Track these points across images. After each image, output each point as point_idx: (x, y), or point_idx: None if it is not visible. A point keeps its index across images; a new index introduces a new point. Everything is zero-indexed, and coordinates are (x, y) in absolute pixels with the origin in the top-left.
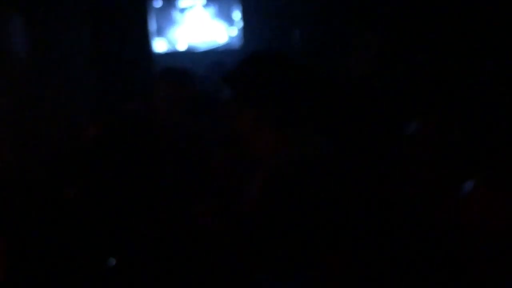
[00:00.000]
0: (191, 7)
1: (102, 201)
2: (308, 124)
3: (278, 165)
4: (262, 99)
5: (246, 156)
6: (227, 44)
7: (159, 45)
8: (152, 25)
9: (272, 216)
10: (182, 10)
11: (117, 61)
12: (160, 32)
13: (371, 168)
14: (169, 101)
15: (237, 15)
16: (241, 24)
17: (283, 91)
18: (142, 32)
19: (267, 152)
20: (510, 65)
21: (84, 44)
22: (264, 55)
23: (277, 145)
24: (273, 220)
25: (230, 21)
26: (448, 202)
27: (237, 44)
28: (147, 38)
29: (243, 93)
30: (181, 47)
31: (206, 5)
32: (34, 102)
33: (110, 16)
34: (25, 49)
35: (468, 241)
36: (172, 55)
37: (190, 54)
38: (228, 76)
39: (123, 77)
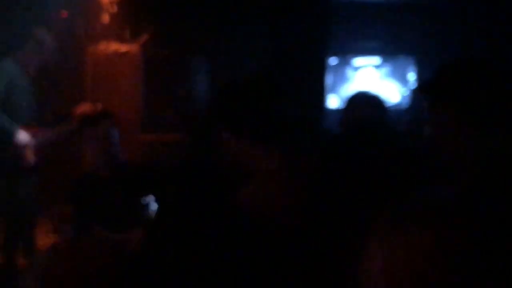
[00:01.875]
0: (365, 66)
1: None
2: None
3: (483, 168)
4: (465, 100)
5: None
6: (397, 104)
7: (331, 101)
8: (327, 81)
9: None
10: (356, 69)
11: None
12: (332, 89)
13: None
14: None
15: (411, 76)
16: (415, 84)
17: (488, 92)
18: (318, 87)
19: (470, 154)
20: None
21: None
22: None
23: (478, 145)
24: None
25: (403, 81)
26: None
27: (408, 104)
28: (322, 94)
29: (445, 96)
30: None
31: (380, 65)
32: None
33: (289, 69)
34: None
35: None
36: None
37: None
38: (428, 82)
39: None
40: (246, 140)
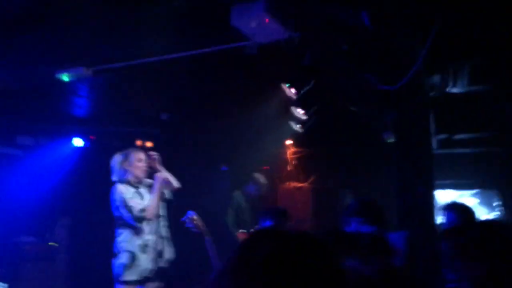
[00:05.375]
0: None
1: None
2: None
3: None
4: None
5: None
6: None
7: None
8: None
9: None
10: None
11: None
12: None
13: None
14: None
15: (497, 203)
16: (501, 209)
17: None
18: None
19: None
20: None
21: None
22: None
23: None
24: None
25: (490, 207)
26: None
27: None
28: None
29: None
30: None
31: (473, 195)
32: None
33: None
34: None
35: None
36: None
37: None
38: None
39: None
40: None
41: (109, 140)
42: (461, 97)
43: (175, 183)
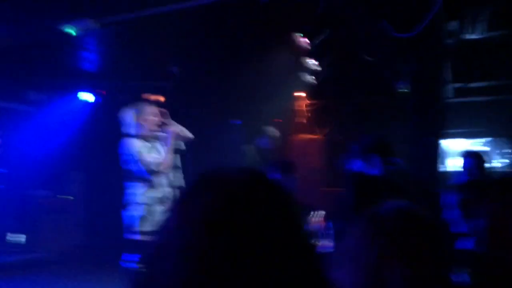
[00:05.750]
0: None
1: None
2: None
3: None
4: None
5: None
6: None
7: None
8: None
9: None
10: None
11: None
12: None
13: None
14: None
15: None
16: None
17: None
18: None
19: None
20: None
21: None
22: None
23: None
24: None
25: (501, 155)
26: None
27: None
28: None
29: None
30: None
31: (484, 143)
32: None
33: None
34: None
35: None
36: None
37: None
38: None
39: None
40: None
41: (120, 94)
42: (478, 43)
43: (188, 134)
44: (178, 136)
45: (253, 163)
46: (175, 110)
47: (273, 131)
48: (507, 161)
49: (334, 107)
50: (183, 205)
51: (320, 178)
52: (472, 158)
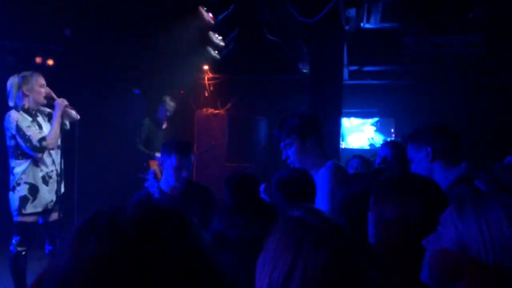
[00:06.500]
0: (364, 123)
1: None
2: None
3: None
4: None
5: None
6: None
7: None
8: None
9: None
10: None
11: None
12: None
13: None
14: None
15: (392, 129)
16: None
17: None
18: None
19: None
20: None
21: None
22: None
23: None
24: None
25: (388, 133)
26: None
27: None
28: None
29: None
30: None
31: (373, 123)
32: None
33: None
34: None
35: None
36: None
37: (360, 151)
38: None
39: None
40: None
41: (3, 55)
42: (372, 32)
43: (75, 114)
44: (66, 112)
45: (151, 137)
46: (68, 77)
47: (169, 100)
48: (392, 139)
49: (236, 82)
50: (74, 243)
51: (223, 153)
52: (390, 147)
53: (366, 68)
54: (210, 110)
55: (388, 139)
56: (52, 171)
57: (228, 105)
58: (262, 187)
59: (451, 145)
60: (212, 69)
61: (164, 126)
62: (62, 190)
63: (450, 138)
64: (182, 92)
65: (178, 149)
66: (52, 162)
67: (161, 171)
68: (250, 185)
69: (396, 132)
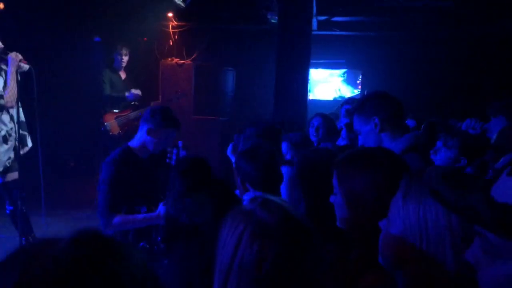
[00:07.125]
0: (331, 75)
1: None
2: None
3: None
4: None
5: None
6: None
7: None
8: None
9: None
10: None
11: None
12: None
13: None
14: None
15: (359, 81)
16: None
17: None
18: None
19: None
20: None
21: None
22: None
23: None
24: None
25: (355, 84)
26: None
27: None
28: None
29: None
30: (323, 97)
31: (341, 75)
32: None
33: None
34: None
35: None
36: (316, 102)
37: (327, 102)
38: None
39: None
40: None
41: None
42: None
43: (28, 68)
44: (19, 66)
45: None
46: (22, 24)
47: (122, 48)
48: (359, 91)
49: (203, 31)
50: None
51: (189, 105)
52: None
53: (335, 19)
54: (176, 60)
55: (355, 91)
56: (11, 128)
57: (194, 55)
58: (229, 147)
59: (397, 112)
60: (177, 17)
61: (123, 76)
62: (30, 144)
63: (395, 106)
64: (145, 39)
65: (178, 127)
66: (10, 119)
67: (119, 126)
68: (200, 170)
69: (362, 84)
